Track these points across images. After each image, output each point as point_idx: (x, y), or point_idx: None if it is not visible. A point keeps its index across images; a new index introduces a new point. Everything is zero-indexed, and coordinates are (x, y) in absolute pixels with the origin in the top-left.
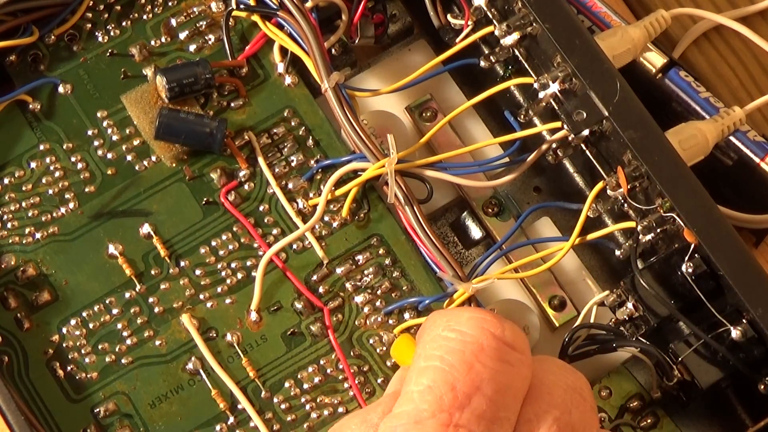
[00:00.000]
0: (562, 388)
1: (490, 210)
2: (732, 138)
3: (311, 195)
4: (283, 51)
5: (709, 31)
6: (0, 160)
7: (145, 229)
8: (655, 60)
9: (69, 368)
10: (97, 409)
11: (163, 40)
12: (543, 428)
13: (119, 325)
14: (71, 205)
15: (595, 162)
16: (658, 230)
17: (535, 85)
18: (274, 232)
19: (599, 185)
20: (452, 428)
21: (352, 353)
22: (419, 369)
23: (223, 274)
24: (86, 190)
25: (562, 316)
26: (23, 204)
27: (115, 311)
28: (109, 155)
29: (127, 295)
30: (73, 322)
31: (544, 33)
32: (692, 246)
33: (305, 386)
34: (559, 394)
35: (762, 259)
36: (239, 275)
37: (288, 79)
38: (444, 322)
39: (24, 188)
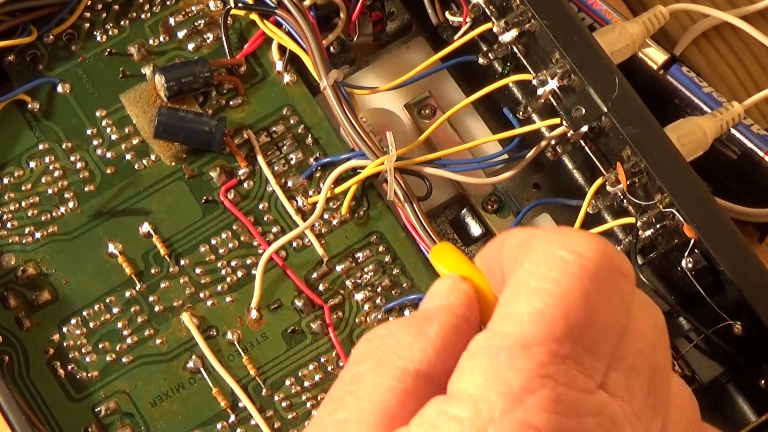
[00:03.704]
0: (651, 326)
1: (489, 207)
2: (735, 132)
3: (311, 193)
4: (282, 49)
5: (709, 30)
6: None
7: (145, 227)
8: (656, 56)
9: (70, 367)
10: (98, 408)
11: (161, 39)
12: (635, 367)
13: (119, 324)
14: (71, 204)
15: (594, 158)
16: (658, 226)
17: (534, 82)
18: (274, 230)
19: (598, 181)
20: (560, 359)
21: (352, 351)
22: (531, 289)
23: (223, 272)
24: (86, 189)
25: None
26: (23, 204)
27: (115, 310)
28: (109, 154)
29: (128, 293)
30: (74, 321)
31: (543, 29)
32: (692, 241)
33: (306, 384)
34: (648, 332)
35: (766, 254)
36: (239, 273)
37: (287, 77)
38: (560, 241)
39: (23, 188)
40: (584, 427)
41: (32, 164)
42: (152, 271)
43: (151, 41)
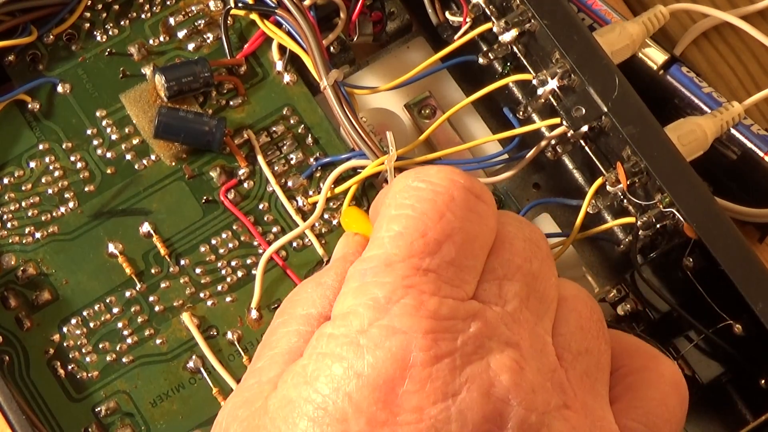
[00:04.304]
0: (522, 240)
1: None
2: (735, 132)
3: (311, 193)
4: (282, 49)
5: (709, 30)
6: None
7: (145, 227)
8: (656, 56)
9: (70, 367)
10: (99, 408)
11: (161, 39)
12: (507, 276)
13: (120, 324)
14: (71, 204)
15: (594, 158)
16: (658, 225)
17: (534, 82)
18: (274, 230)
19: (599, 181)
20: (422, 272)
21: None
22: (390, 216)
23: (224, 272)
24: (86, 189)
25: None
26: (23, 204)
27: (115, 310)
28: (109, 154)
29: (128, 293)
30: (74, 321)
31: (543, 29)
32: (692, 241)
33: None
34: (519, 245)
35: (766, 254)
36: (239, 273)
37: (287, 77)
38: (413, 175)
39: (24, 188)
40: (453, 329)
41: (32, 164)
42: (152, 271)
43: (151, 41)
